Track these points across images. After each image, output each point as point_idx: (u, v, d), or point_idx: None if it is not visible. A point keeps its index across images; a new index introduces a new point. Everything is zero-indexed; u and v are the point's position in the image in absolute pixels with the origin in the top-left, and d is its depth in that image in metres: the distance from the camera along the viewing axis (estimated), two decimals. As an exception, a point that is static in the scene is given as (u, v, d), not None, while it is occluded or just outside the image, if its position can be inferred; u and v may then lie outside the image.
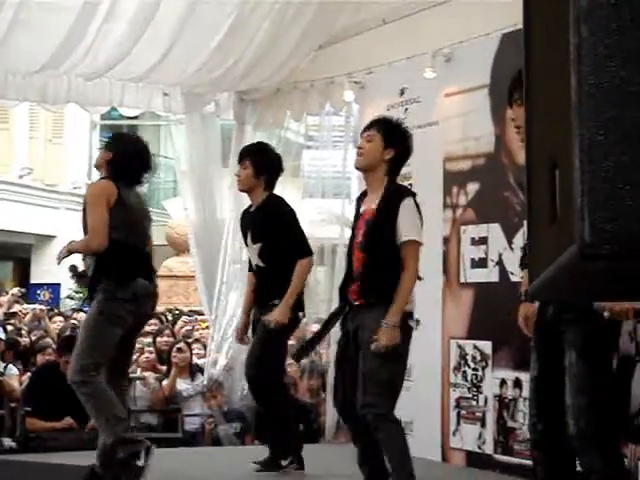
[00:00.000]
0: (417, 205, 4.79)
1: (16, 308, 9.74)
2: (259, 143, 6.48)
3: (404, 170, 5.18)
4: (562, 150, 1.04)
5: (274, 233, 5.82)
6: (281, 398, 5.97)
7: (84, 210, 5.40)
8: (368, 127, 5.00)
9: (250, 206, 6.07)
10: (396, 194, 4.80)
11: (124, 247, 5.33)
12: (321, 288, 8.84)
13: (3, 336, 7.85)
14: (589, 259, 0.95)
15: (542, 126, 1.19)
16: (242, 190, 6.10)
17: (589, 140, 0.93)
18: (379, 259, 4.76)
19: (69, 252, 5.38)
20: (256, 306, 6.04)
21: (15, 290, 10.56)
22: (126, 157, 5.53)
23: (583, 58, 0.94)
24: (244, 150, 6.18)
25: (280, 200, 6.02)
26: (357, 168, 5.06)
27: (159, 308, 12.43)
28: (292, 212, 5.96)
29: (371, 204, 4.82)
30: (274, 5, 7.03)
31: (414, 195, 4.85)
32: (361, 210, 4.92)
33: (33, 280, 16.93)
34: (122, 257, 5.31)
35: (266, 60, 7.56)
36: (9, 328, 8.36)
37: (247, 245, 6.05)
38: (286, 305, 5.71)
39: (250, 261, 6.10)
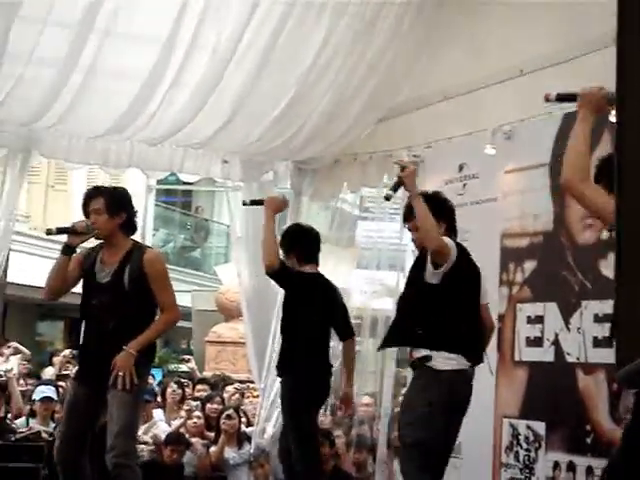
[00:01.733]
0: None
1: (68, 370, 9.76)
2: (287, 228, 6.69)
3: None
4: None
5: None
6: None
7: (135, 283, 5.29)
8: (406, 215, 5.12)
9: None
10: None
11: None
12: (371, 360, 8.77)
13: (55, 396, 7.87)
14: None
15: (636, 211, 1.18)
16: None
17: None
18: None
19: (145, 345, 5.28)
20: None
21: (67, 352, 10.59)
22: (134, 216, 5.57)
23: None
24: None
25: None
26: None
27: (207, 373, 12.46)
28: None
29: None
30: (337, 78, 7.11)
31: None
32: None
33: (83, 341, 16.98)
34: None
35: (326, 131, 7.62)
36: (61, 390, 8.37)
37: None
38: None
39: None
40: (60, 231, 5.40)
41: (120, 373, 5.10)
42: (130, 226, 5.50)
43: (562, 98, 4.11)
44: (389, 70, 7.29)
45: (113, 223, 5.38)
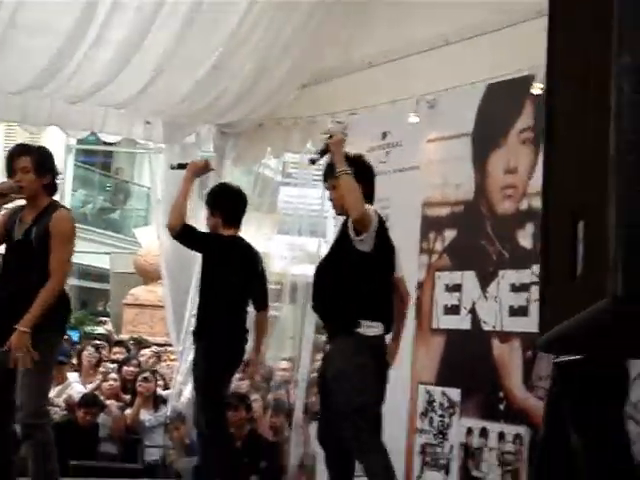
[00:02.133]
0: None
1: None
2: (214, 187, 6.59)
3: (382, 213, 5.19)
4: (590, 203, 1.03)
5: None
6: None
7: (40, 241, 5.12)
8: (327, 174, 5.07)
9: None
10: None
11: None
12: (289, 325, 8.80)
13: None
14: (620, 314, 0.94)
15: (563, 179, 1.19)
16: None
17: (627, 194, 0.93)
18: None
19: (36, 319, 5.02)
20: None
21: None
22: (57, 177, 5.44)
23: (623, 113, 0.94)
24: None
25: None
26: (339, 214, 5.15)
27: (124, 336, 12.38)
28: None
29: None
30: (262, 40, 7.06)
31: None
32: None
33: None
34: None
35: (250, 95, 7.57)
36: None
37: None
38: None
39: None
40: None
41: (19, 354, 4.99)
42: (53, 187, 5.39)
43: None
44: (314, 35, 7.27)
45: (39, 183, 5.23)
